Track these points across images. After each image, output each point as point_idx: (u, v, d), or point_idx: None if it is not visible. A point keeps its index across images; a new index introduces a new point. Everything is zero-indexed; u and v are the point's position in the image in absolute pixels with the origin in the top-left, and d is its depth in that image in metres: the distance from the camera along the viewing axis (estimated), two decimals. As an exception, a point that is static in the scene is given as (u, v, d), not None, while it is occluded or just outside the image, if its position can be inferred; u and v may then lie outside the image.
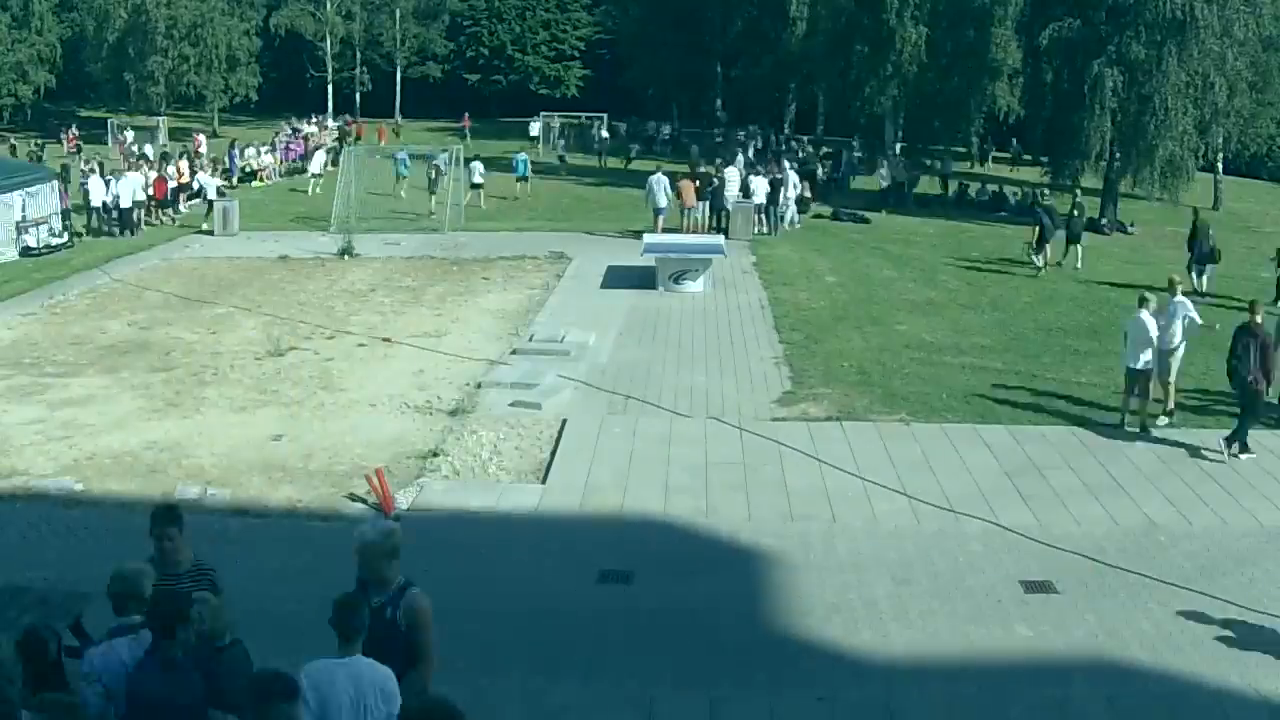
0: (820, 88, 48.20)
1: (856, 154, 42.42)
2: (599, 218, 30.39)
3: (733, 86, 57.57)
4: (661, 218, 26.52)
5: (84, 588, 7.96)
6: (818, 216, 31.03)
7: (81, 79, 58.12)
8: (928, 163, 38.71)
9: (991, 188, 38.18)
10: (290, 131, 45.07)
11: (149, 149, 39.94)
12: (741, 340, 17.25)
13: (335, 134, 46.84)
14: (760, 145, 45.69)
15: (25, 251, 24.01)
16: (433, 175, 30.89)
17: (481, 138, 50.70)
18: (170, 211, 29.15)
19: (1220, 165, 41.68)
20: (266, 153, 39.86)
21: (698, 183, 28.23)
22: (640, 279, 21.16)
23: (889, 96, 35.08)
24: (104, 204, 27.02)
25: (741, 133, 49.80)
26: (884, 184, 35.23)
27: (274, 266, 23.49)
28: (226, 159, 37.47)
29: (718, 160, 34.98)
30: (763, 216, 27.61)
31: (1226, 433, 12.30)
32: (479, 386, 14.75)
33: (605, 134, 49.45)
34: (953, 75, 34.92)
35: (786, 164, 31.94)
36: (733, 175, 28.58)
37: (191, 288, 21.34)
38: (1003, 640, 8.41)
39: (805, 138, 51.54)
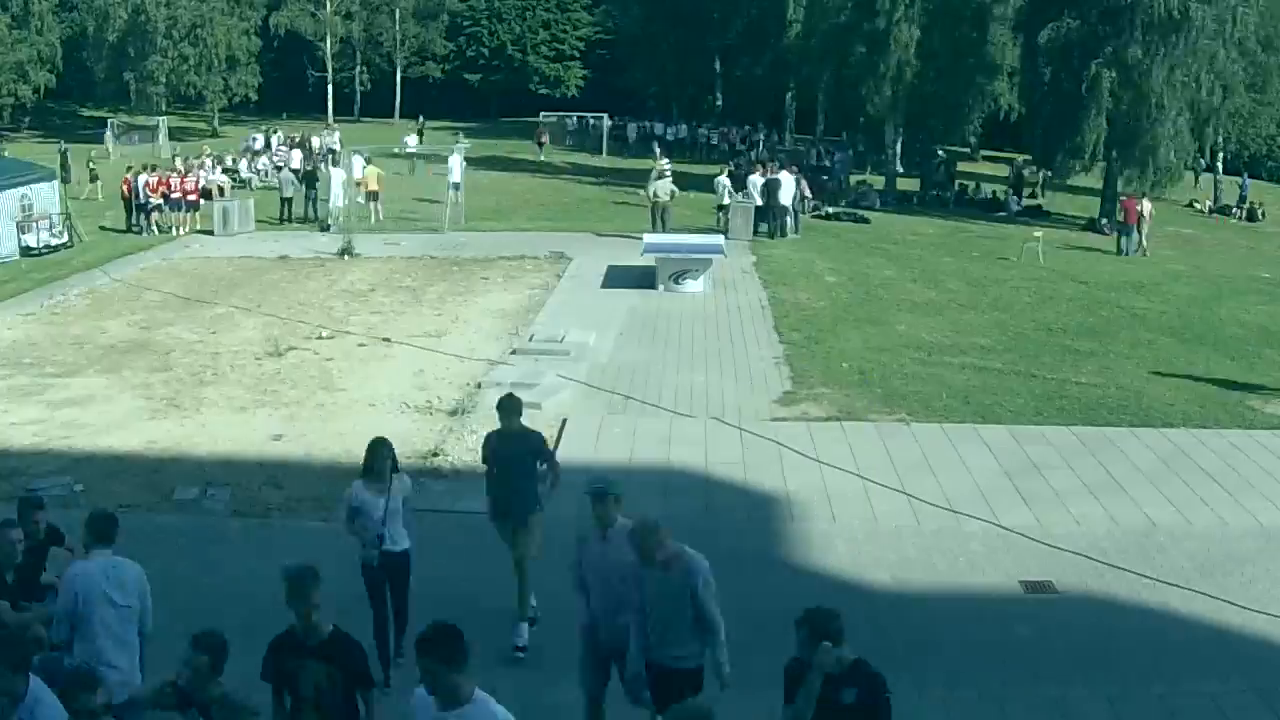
0: (819, 88, 48.31)
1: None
2: (598, 217, 30.41)
3: (733, 86, 57.63)
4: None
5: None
6: (817, 216, 31.04)
7: (81, 79, 58.14)
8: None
9: (990, 188, 38.28)
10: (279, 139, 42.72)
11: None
12: (741, 340, 17.25)
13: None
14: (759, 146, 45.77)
15: (25, 251, 24.00)
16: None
17: (480, 137, 50.72)
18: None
19: (1220, 165, 41.77)
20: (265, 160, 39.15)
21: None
22: (640, 279, 21.16)
23: (886, 96, 35.13)
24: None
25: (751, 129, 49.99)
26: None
27: (274, 266, 23.48)
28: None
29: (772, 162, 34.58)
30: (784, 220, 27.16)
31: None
32: (479, 386, 14.74)
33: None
34: (950, 75, 35.00)
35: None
36: (787, 179, 28.17)
37: (191, 288, 21.34)
38: (1003, 640, 8.41)
39: (807, 138, 51.63)
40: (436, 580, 9.54)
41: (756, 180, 27.64)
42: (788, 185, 27.69)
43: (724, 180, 28.68)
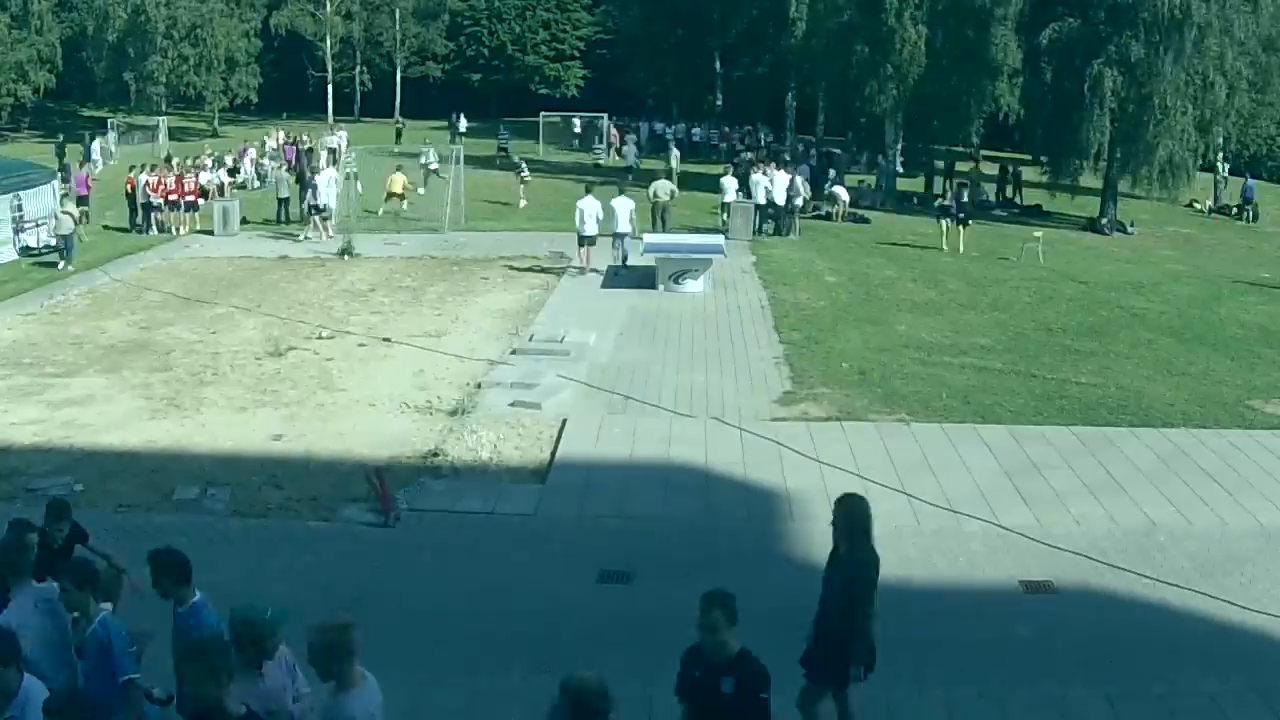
0: (820, 88, 48.31)
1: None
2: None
3: (733, 86, 57.66)
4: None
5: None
6: (817, 216, 31.05)
7: (81, 79, 58.17)
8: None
9: (989, 186, 38.24)
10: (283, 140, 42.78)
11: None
12: (741, 340, 17.25)
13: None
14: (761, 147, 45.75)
15: (25, 251, 24.00)
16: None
17: (481, 137, 50.69)
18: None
19: (1220, 165, 41.73)
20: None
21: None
22: (640, 279, 21.17)
23: (889, 96, 35.10)
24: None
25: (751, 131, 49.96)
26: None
27: (274, 266, 23.50)
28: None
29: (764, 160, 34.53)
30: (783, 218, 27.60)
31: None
32: (479, 386, 14.75)
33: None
34: (952, 75, 34.96)
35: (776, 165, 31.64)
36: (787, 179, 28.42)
37: (191, 288, 21.34)
38: (1003, 640, 8.40)
39: (807, 138, 51.62)
40: (436, 580, 9.55)
41: (761, 180, 27.67)
42: (790, 185, 27.76)
43: (730, 180, 28.69)
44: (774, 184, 27.57)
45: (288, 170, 32.31)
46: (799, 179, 29.00)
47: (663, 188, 26.51)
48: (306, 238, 26.45)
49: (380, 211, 29.05)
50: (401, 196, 29.39)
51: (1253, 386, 15.18)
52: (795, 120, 54.61)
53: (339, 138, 42.18)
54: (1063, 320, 19.02)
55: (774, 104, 55.14)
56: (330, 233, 26.48)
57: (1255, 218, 37.91)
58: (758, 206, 27.36)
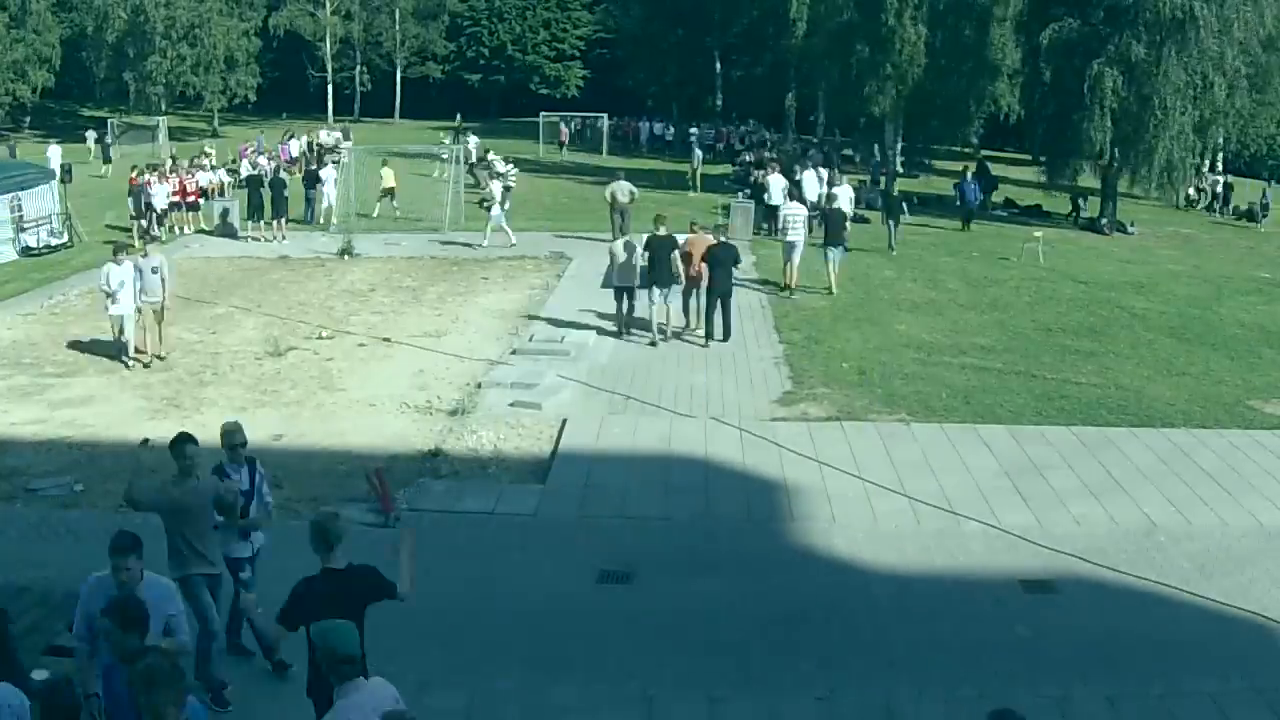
0: (820, 88, 48.36)
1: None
2: (598, 217, 30.35)
3: (733, 86, 57.73)
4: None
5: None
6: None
7: (81, 79, 58.18)
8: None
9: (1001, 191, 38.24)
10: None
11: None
12: (742, 340, 17.24)
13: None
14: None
15: (25, 251, 23.99)
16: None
17: (481, 137, 50.67)
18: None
19: (1221, 164, 41.72)
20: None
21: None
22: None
23: (889, 96, 35.11)
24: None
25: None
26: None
27: (274, 266, 23.49)
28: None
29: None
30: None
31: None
32: (479, 386, 14.75)
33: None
34: (952, 75, 34.99)
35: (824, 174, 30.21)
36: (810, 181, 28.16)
37: (191, 288, 21.32)
38: (1003, 640, 8.40)
39: (807, 138, 51.64)
40: (437, 580, 9.54)
41: (812, 180, 27.36)
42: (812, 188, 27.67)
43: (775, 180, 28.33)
44: (805, 185, 27.40)
45: (298, 170, 32.32)
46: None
47: (621, 189, 25.02)
48: (270, 239, 25.97)
49: (375, 213, 29.00)
50: (391, 192, 29.47)
51: (1253, 386, 15.19)
52: (795, 120, 54.67)
53: (333, 135, 42.19)
54: (1063, 320, 19.02)
55: (774, 104, 55.16)
56: (284, 234, 26.20)
57: (1251, 216, 37.90)
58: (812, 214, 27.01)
